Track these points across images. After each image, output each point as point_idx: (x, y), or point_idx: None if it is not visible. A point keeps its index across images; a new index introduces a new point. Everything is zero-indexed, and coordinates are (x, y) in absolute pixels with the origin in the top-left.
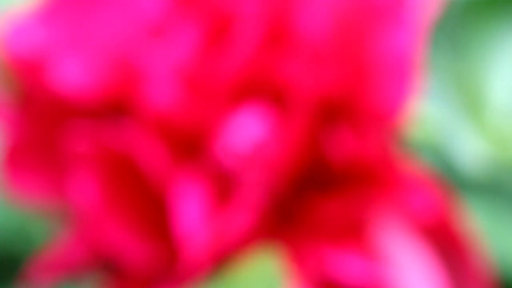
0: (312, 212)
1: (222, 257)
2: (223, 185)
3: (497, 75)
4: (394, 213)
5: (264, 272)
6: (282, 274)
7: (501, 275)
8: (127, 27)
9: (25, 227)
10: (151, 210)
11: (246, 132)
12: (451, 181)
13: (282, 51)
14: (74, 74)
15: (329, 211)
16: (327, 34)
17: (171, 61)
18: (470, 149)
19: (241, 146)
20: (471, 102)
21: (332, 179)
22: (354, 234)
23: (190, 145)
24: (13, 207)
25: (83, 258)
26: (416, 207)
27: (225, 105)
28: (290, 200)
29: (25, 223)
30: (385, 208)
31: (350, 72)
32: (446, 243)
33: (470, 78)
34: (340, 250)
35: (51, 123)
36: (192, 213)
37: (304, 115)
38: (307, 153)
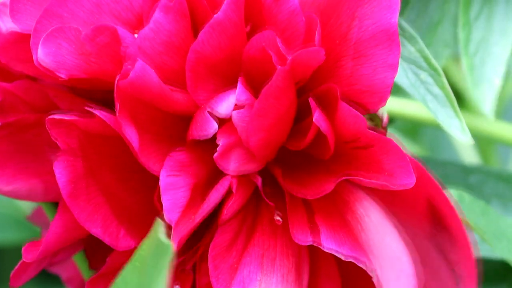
0: (295, 186)
1: None
2: (208, 170)
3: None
4: (378, 193)
5: None
6: None
7: None
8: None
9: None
10: (135, 193)
11: (228, 105)
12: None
13: (259, 29)
14: (55, 56)
15: (311, 186)
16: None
17: (150, 43)
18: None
19: (223, 116)
20: None
21: (312, 156)
22: (338, 211)
23: (173, 129)
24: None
25: (64, 242)
26: (401, 186)
27: (204, 86)
28: (275, 174)
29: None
30: (368, 186)
31: (332, 48)
32: (436, 224)
33: None
34: (325, 226)
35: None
36: (175, 198)
37: (284, 89)
38: (287, 127)
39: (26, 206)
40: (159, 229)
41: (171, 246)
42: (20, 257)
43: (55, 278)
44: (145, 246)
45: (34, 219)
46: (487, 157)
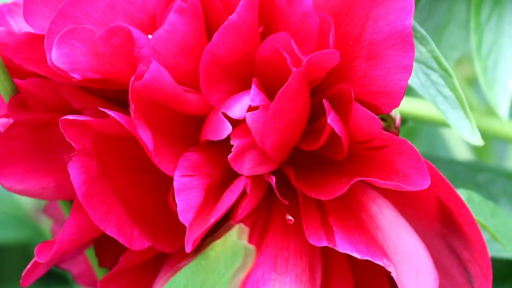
0: (308, 187)
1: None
2: (222, 170)
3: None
4: (388, 193)
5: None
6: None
7: None
8: (122, 13)
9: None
10: (148, 193)
11: (242, 107)
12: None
13: (272, 30)
14: (70, 57)
15: (325, 187)
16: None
17: (164, 45)
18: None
19: (237, 117)
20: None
21: (325, 156)
22: (351, 211)
23: (186, 130)
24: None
25: (77, 242)
26: (416, 187)
27: (218, 87)
28: (288, 174)
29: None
30: (381, 186)
31: (346, 49)
32: (447, 223)
33: None
34: (339, 226)
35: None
36: (189, 199)
37: (297, 89)
38: (301, 127)
39: (28, 205)
40: (236, 233)
41: (253, 250)
42: (20, 256)
43: (59, 277)
44: (218, 247)
45: (47, 212)
46: (482, 155)
